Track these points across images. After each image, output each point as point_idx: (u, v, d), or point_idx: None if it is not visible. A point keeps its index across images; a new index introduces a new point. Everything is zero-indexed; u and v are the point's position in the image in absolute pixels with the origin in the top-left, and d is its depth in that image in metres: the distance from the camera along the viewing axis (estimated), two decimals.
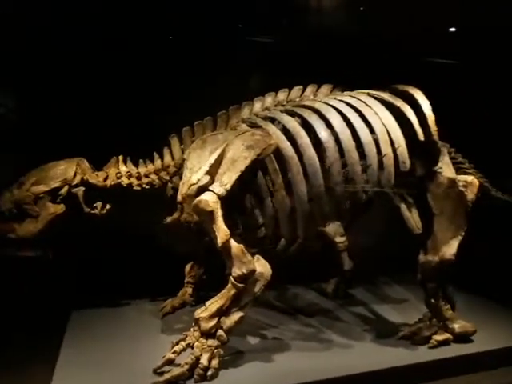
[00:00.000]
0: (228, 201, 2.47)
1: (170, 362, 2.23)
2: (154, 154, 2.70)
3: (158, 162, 2.68)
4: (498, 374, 2.64)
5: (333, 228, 3.58)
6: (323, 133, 2.48)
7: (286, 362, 2.48)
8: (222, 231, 2.25)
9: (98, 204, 2.58)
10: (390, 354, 2.60)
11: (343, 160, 2.48)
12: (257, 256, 2.44)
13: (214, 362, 2.26)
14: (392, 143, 2.52)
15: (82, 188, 2.54)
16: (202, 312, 2.30)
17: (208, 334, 2.29)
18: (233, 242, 2.29)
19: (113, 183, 2.56)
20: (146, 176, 2.61)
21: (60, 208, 2.51)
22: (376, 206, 3.23)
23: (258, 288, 2.35)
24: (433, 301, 2.71)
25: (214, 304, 2.31)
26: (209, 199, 2.24)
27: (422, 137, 2.56)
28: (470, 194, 2.66)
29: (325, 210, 2.50)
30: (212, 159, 2.35)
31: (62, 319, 2.95)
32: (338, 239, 3.57)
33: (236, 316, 2.32)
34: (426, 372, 2.52)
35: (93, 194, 2.64)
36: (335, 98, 2.67)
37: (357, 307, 3.32)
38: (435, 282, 2.68)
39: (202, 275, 3.31)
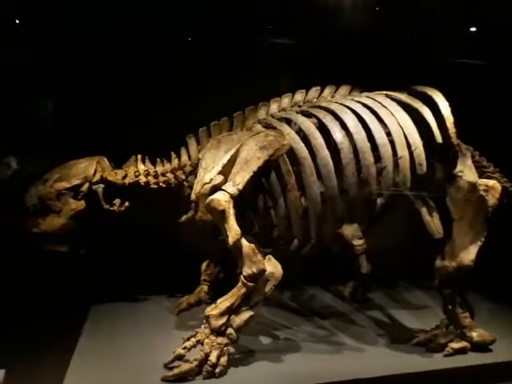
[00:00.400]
0: (242, 200, 2.51)
1: (180, 358, 2.28)
2: (172, 153, 2.76)
3: (175, 162, 2.74)
4: None
5: (350, 230, 3.58)
6: (338, 134, 2.47)
7: (296, 362, 2.48)
8: (233, 230, 2.27)
9: (117, 201, 2.66)
10: (403, 359, 2.55)
11: (358, 162, 2.45)
12: (268, 256, 2.45)
13: (223, 360, 2.29)
14: (409, 145, 2.48)
15: (102, 185, 2.62)
16: (212, 310, 2.33)
17: (218, 332, 2.32)
18: (244, 242, 2.32)
19: (131, 181, 2.64)
20: (163, 175, 2.67)
21: (81, 204, 2.60)
22: (398, 209, 3.20)
23: (268, 288, 2.37)
24: (450, 307, 2.65)
25: (224, 302, 2.33)
26: (221, 198, 2.27)
27: (440, 139, 2.51)
28: (492, 199, 2.58)
29: (338, 211, 2.49)
30: (225, 159, 2.38)
31: (81, 313, 3.05)
32: (356, 242, 3.54)
33: (246, 315, 2.34)
34: (440, 380, 2.47)
35: (112, 192, 2.73)
36: (352, 99, 2.65)
37: (373, 311, 3.27)
38: (452, 289, 2.62)
39: (218, 274, 3.35)
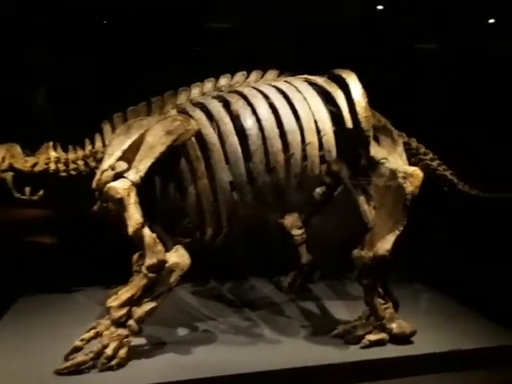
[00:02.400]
0: (150, 188, 2.43)
1: (78, 350, 2.22)
2: (86, 140, 2.67)
3: (88, 149, 2.65)
4: (435, 379, 2.48)
5: (290, 220, 3.52)
6: (248, 119, 2.38)
7: (204, 354, 2.42)
8: (133, 219, 2.20)
9: (27, 189, 2.58)
10: (318, 351, 2.48)
11: (267, 148, 2.36)
12: (177, 246, 2.38)
13: (122, 352, 2.23)
14: (318, 131, 2.39)
15: (11, 173, 2.55)
16: (113, 301, 2.26)
17: (118, 323, 2.25)
18: (146, 231, 2.24)
19: (41, 169, 2.57)
20: (74, 162, 2.59)
21: None
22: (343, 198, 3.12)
23: (173, 279, 2.30)
24: (369, 298, 2.57)
25: (125, 293, 2.27)
26: (118, 186, 2.20)
27: (350, 124, 2.41)
28: (410, 187, 2.49)
29: (247, 199, 2.40)
30: (126, 145, 2.30)
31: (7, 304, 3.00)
32: (295, 232, 3.48)
33: (147, 306, 2.28)
34: (353, 373, 2.39)
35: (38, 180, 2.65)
36: (268, 84, 2.55)
37: (306, 302, 3.21)
38: (370, 279, 2.54)
39: None
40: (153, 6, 3.27)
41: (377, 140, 2.80)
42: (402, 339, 2.58)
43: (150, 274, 2.24)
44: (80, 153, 2.64)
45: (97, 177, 2.31)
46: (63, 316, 2.89)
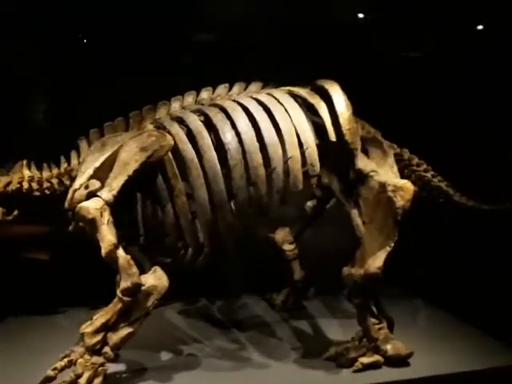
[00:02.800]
0: (128, 207, 2.33)
1: (50, 380, 2.09)
2: (61, 157, 2.58)
3: (63, 167, 2.55)
4: None
5: (281, 235, 3.40)
6: (227, 133, 2.27)
7: (186, 381, 2.28)
8: (106, 241, 2.09)
9: (0, 210, 2.48)
10: (307, 376, 2.34)
11: (246, 163, 2.25)
12: (154, 267, 2.27)
13: (97, 381, 2.11)
14: (300, 144, 2.27)
15: None
16: (86, 327, 2.14)
17: (93, 351, 2.13)
18: (120, 253, 2.13)
19: (14, 188, 2.47)
20: (48, 181, 2.49)
21: None
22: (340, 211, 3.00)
23: (150, 302, 2.18)
24: (362, 318, 2.43)
25: (99, 318, 2.15)
26: (90, 206, 2.09)
27: (333, 137, 2.30)
28: (400, 201, 2.36)
29: (228, 217, 2.28)
30: (98, 162, 2.20)
31: None
32: (286, 247, 3.37)
33: (124, 332, 2.15)
34: None
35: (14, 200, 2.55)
36: (250, 96, 2.45)
37: (299, 321, 3.07)
38: (361, 298, 2.40)
39: None
40: (135, 18, 3.21)
41: (366, 152, 2.70)
42: (398, 361, 2.43)
43: (125, 298, 2.12)
44: (55, 171, 2.54)
45: (69, 196, 2.22)
46: (44, 340, 2.77)
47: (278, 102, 2.37)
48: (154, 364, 2.45)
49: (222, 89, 2.65)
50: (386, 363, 2.42)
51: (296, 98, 2.42)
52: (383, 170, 2.62)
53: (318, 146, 2.31)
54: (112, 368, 2.31)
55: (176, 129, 2.34)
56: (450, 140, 3.44)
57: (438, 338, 2.79)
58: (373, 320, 2.46)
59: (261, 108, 2.33)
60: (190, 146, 2.28)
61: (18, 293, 3.19)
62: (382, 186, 2.42)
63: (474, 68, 3.44)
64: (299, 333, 2.89)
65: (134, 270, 2.11)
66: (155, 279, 2.20)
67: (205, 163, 2.25)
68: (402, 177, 2.91)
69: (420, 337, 2.77)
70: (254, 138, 2.25)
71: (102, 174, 2.21)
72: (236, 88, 2.65)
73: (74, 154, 2.57)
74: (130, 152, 2.22)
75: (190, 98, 2.62)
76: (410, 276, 3.71)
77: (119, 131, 2.54)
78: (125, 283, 2.11)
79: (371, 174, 2.49)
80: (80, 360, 2.12)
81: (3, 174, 2.55)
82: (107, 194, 2.15)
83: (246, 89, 2.65)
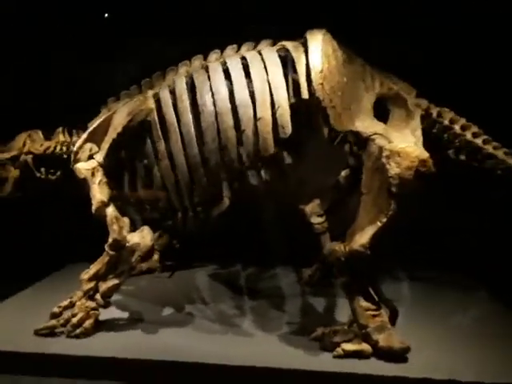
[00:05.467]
0: (117, 169, 2.49)
1: (55, 316, 2.42)
2: (88, 124, 2.86)
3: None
4: None
5: (310, 207, 3.19)
6: (204, 96, 2.22)
7: (170, 338, 2.37)
8: (96, 198, 2.30)
9: (43, 170, 2.91)
10: (283, 353, 2.22)
11: (218, 126, 2.17)
12: (143, 227, 2.41)
13: (88, 322, 2.37)
14: (273, 105, 2.07)
15: (30, 155, 2.89)
16: (84, 274, 2.42)
17: (88, 296, 2.40)
18: (109, 210, 2.32)
19: (49, 152, 2.85)
20: (73, 145, 2.80)
21: (16, 173, 2.94)
22: None
23: (133, 258, 2.34)
24: (350, 301, 2.18)
25: (93, 268, 2.40)
26: (81, 167, 2.32)
27: (305, 94, 2.02)
28: (395, 168, 2.00)
29: (203, 181, 2.25)
30: (91, 127, 2.38)
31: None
32: (314, 219, 3.15)
33: (111, 283, 2.37)
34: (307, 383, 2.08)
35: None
36: (238, 55, 2.33)
37: (314, 298, 2.90)
38: (348, 278, 2.14)
39: (170, 244, 3.41)
40: None
41: (387, 112, 2.33)
42: (391, 355, 2.11)
43: (111, 252, 2.31)
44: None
45: (72, 158, 2.47)
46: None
47: (262, 59, 2.19)
48: (149, 317, 2.61)
49: (229, 50, 2.55)
50: (378, 356, 2.13)
51: (282, 53, 2.19)
52: (400, 132, 2.24)
53: (293, 105, 2.07)
54: (109, 314, 2.57)
55: (164, 93, 2.37)
56: None
57: (475, 340, 2.32)
58: (367, 305, 2.17)
59: (240, 67, 2.20)
60: (172, 109, 2.30)
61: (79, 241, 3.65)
62: (380, 151, 2.07)
63: None
64: (307, 309, 2.74)
65: (119, 227, 2.28)
66: (140, 238, 2.34)
67: (182, 127, 2.25)
68: (443, 143, 2.45)
69: (447, 334, 2.35)
70: (227, 100, 2.14)
71: (97, 137, 2.40)
72: (244, 49, 2.52)
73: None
74: (120, 117, 2.36)
75: (197, 62, 2.59)
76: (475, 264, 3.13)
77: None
78: (110, 238, 2.30)
79: (373, 137, 2.14)
80: (78, 302, 2.41)
81: (46, 140, 2.96)
82: (99, 156, 2.34)
83: (254, 48, 2.51)
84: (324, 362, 2.12)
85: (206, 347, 2.26)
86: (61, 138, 2.88)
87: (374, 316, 2.16)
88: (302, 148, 2.38)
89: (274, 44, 2.45)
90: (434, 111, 2.42)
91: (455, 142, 2.46)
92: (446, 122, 2.44)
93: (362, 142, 2.16)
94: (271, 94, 2.10)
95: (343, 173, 2.84)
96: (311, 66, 2.03)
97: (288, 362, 2.11)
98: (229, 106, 2.14)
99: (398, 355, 2.10)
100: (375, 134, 2.14)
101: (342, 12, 3.02)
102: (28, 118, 3.33)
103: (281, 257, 3.59)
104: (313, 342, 2.28)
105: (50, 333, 2.38)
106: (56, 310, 2.43)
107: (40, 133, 2.96)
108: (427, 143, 2.30)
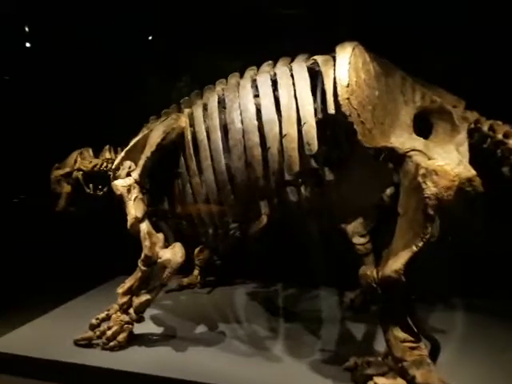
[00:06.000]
0: (157, 186, 2.56)
1: (93, 328, 2.51)
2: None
3: None
4: None
5: (351, 226, 3.04)
6: (232, 113, 2.22)
7: (200, 358, 2.34)
8: (130, 214, 2.38)
9: (91, 186, 3.08)
10: (310, 381, 2.10)
11: (245, 144, 2.14)
12: (174, 243, 2.44)
13: (121, 336, 2.42)
14: (299, 121, 2.00)
15: (81, 172, 3.08)
16: (120, 288, 2.49)
17: (123, 309, 2.47)
18: (142, 226, 2.38)
19: (96, 169, 3.01)
20: None
21: (68, 188, 3.14)
22: None
23: (164, 274, 2.36)
24: (384, 331, 2.01)
25: (128, 282, 2.47)
26: (119, 183, 2.41)
27: (332, 109, 1.92)
28: (432, 187, 1.83)
29: (229, 200, 2.23)
30: (129, 145, 2.48)
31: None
32: (357, 240, 3.00)
33: (143, 298, 2.42)
34: None
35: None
36: (269, 71, 2.30)
37: (354, 324, 2.73)
38: (380, 305, 1.98)
39: (211, 260, 3.43)
40: None
41: (430, 126, 2.17)
42: None
43: (143, 268, 2.36)
44: None
45: (111, 175, 2.58)
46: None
47: (291, 74, 2.14)
48: (182, 334, 2.62)
49: (265, 66, 2.54)
50: None
51: (312, 67, 2.13)
52: (442, 148, 2.07)
53: (320, 121, 1.99)
54: (145, 328, 2.61)
55: (197, 111, 2.41)
56: None
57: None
58: (405, 336, 1.98)
59: (269, 84, 2.16)
60: (203, 127, 2.32)
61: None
62: (417, 168, 1.91)
63: None
64: (344, 336, 2.58)
65: (151, 243, 2.32)
66: (171, 254, 2.37)
67: (211, 144, 2.25)
68: (496, 158, 2.23)
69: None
70: (254, 117, 2.12)
71: (134, 154, 2.49)
72: (279, 64, 2.50)
73: None
74: (154, 135, 2.42)
75: (233, 80, 2.61)
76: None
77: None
78: (142, 254, 2.35)
79: (410, 153, 1.99)
80: (114, 315, 2.48)
81: (95, 157, 3.13)
82: (135, 173, 2.42)
83: (290, 63, 2.47)
84: None
85: (232, 369, 2.22)
86: (107, 155, 3.03)
87: (412, 349, 1.96)
88: (345, 164, 2.29)
89: (308, 58, 2.40)
90: (485, 125, 2.20)
91: (511, 159, 2.21)
92: (500, 137, 2.20)
93: (397, 158, 2.02)
94: (297, 110, 2.03)
95: (388, 191, 2.69)
96: (337, 80, 1.94)
97: None
98: (255, 123, 2.11)
99: None
100: (413, 150, 1.98)
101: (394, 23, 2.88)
102: (93, 134, 3.54)
103: (324, 278, 3.45)
104: (345, 373, 2.13)
105: (88, 344, 2.46)
106: (94, 321, 2.52)
107: (90, 150, 3.15)
108: (476, 160, 2.11)
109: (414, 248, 1.86)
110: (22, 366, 2.35)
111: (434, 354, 1.99)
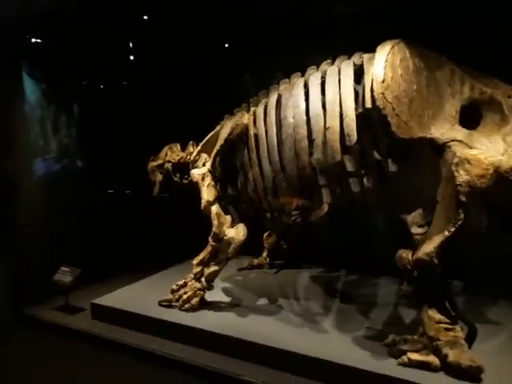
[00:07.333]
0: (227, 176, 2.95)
1: (173, 292, 3.01)
2: None
3: None
4: None
5: (411, 216, 3.11)
6: (286, 110, 2.50)
7: (260, 324, 2.69)
8: (204, 198, 2.83)
9: (178, 175, 3.61)
10: (350, 351, 2.31)
11: (295, 136, 2.42)
12: (239, 224, 2.82)
13: (194, 301, 2.88)
14: (341, 114, 2.21)
15: (170, 164, 3.63)
16: (195, 259, 2.96)
17: (196, 278, 2.93)
18: (213, 208, 2.81)
19: (182, 161, 3.53)
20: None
21: (160, 177, 3.72)
22: None
23: (230, 250, 2.76)
24: (418, 310, 2.15)
25: (201, 254, 2.92)
26: (195, 172, 2.88)
27: (368, 103, 2.09)
28: (464, 175, 1.93)
29: (282, 187, 2.53)
30: (205, 139, 2.92)
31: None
32: (414, 229, 3.02)
33: (212, 269, 2.85)
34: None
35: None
36: (322, 69, 2.54)
37: (404, 309, 2.84)
38: (414, 286, 2.12)
39: (278, 244, 3.77)
40: None
41: (479, 117, 2.24)
42: (461, 372, 2.01)
43: (212, 243, 2.79)
44: None
45: (190, 165, 3.05)
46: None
47: (338, 71, 2.36)
48: (246, 303, 2.99)
49: (324, 65, 2.79)
50: (447, 371, 2.05)
51: (358, 65, 2.32)
52: (489, 139, 2.13)
53: (360, 114, 2.18)
54: (215, 297, 3.04)
55: (259, 109, 2.75)
56: None
57: None
58: (440, 317, 2.10)
59: (318, 82, 2.40)
60: (262, 123, 2.65)
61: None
62: (453, 157, 2.02)
63: None
64: (392, 318, 2.72)
65: (219, 222, 2.74)
66: (235, 233, 2.76)
67: (268, 138, 2.58)
68: None
69: None
70: (303, 112, 2.38)
71: (209, 147, 2.93)
72: (337, 62, 2.73)
73: None
74: (223, 131, 2.83)
75: (294, 79, 2.91)
76: None
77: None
78: (212, 231, 2.78)
79: (449, 144, 2.09)
80: (189, 283, 2.96)
81: (182, 151, 3.65)
82: (208, 163, 2.86)
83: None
84: (385, 367, 2.14)
85: (284, 335, 2.53)
86: (191, 149, 3.52)
87: (447, 330, 2.07)
88: (409, 157, 2.40)
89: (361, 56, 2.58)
90: None
91: None
92: None
93: (437, 149, 2.12)
94: (340, 105, 2.24)
95: None
96: (374, 76, 2.10)
97: (349, 360, 2.21)
98: (304, 118, 2.37)
99: (468, 373, 1.98)
100: (453, 140, 2.07)
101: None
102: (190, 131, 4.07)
103: (387, 268, 3.55)
104: (383, 348, 2.30)
105: (168, 305, 2.97)
106: (174, 287, 3.02)
107: (178, 145, 3.68)
108: None
109: (447, 233, 1.98)
110: (117, 317, 2.95)
111: (470, 338, 2.07)
